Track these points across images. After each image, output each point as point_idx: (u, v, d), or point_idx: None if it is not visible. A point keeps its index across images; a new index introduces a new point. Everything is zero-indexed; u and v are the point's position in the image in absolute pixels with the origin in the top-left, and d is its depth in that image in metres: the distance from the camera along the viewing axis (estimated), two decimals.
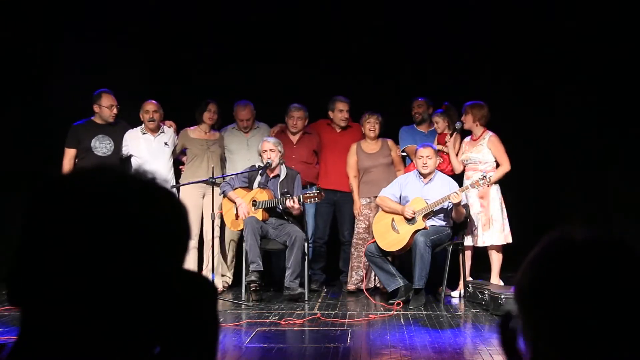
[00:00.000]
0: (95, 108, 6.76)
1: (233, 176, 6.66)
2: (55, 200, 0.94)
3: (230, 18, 7.66)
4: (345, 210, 7.06)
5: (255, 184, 6.57)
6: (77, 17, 7.39)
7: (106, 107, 6.72)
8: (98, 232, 0.91)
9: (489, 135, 6.59)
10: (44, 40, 7.39)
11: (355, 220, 6.94)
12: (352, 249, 6.91)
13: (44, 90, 7.35)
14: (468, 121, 6.65)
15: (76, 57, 7.22)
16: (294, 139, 7.13)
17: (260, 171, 6.54)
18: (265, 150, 6.51)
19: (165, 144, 6.83)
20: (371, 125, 6.90)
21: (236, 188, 6.60)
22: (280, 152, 6.54)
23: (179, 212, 0.99)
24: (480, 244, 6.53)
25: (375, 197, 6.76)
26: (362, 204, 6.92)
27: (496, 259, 6.55)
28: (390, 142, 7.03)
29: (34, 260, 0.92)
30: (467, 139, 6.75)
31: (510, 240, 6.49)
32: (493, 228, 6.47)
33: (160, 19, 7.55)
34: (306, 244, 6.47)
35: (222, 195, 6.63)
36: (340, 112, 7.10)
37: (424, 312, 5.91)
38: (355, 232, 6.91)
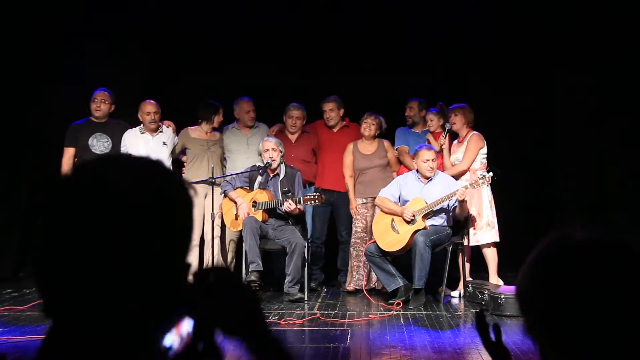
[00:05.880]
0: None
1: (234, 176, 6.66)
2: (70, 200, 0.94)
3: (229, 18, 7.66)
4: (343, 210, 7.05)
5: (256, 184, 6.55)
6: (76, 18, 7.38)
7: (93, 102, 6.76)
8: (115, 228, 0.92)
9: (471, 134, 6.60)
10: (43, 40, 7.38)
11: (353, 219, 6.95)
12: (351, 249, 6.91)
13: (44, 91, 7.35)
14: (458, 122, 6.66)
15: (76, 57, 7.21)
16: (293, 138, 7.14)
17: (260, 171, 6.54)
18: (267, 150, 6.50)
19: (164, 143, 6.83)
20: (367, 125, 6.88)
21: (237, 188, 6.60)
22: (281, 151, 6.54)
23: (188, 206, 1.02)
24: (473, 243, 6.54)
25: (372, 197, 6.78)
26: (358, 203, 6.92)
27: (491, 258, 6.54)
28: (386, 143, 7.02)
29: (62, 268, 0.92)
30: (455, 141, 6.78)
31: (497, 239, 6.50)
32: (483, 226, 6.48)
33: (160, 19, 7.55)
34: (306, 250, 6.45)
35: (223, 194, 6.63)
36: (324, 113, 7.14)
37: (423, 312, 5.90)
38: (353, 231, 6.91)
